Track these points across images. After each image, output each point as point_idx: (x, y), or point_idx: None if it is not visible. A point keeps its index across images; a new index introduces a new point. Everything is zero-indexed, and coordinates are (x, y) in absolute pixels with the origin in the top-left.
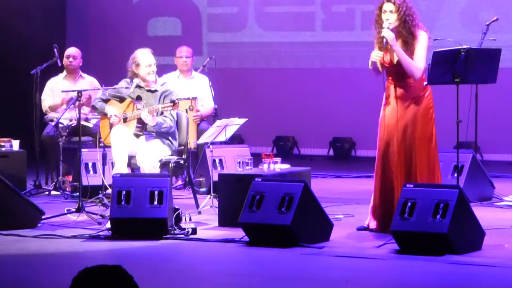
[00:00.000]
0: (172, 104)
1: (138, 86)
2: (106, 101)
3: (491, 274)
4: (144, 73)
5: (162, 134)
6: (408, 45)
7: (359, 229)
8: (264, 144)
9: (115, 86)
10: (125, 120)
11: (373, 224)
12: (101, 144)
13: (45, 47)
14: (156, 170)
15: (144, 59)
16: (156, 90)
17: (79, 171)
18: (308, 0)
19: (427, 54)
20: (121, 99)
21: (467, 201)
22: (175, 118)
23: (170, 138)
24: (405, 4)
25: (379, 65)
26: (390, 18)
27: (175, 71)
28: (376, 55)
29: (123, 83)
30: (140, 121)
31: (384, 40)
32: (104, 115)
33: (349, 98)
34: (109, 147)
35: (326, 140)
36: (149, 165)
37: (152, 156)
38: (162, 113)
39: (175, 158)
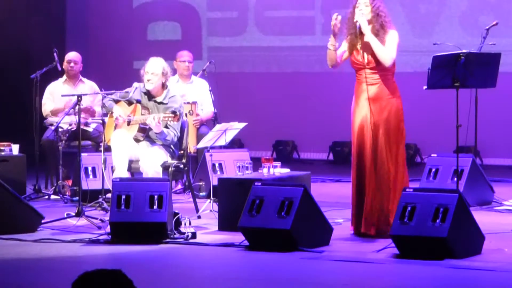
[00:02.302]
0: (173, 115)
1: (147, 95)
2: (116, 102)
3: (491, 278)
4: (144, 80)
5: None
6: (379, 38)
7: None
8: (264, 149)
9: (127, 89)
10: (128, 123)
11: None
12: (102, 148)
13: (45, 51)
14: (160, 175)
15: (145, 66)
16: (162, 103)
17: (79, 175)
18: (308, 5)
19: (397, 50)
20: (130, 102)
21: (466, 205)
22: (178, 133)
23: (172, 147)
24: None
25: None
26: (364, 10)
27: (174, 76)
28: (360, 16)
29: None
30: (142, 127)
31: (358, 24)
32: (111, 114)
33: (349, 103)
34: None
35: (326, 144)
36: (153, 170)
37: (155, 161)
38: (166, 126)
39: (174, 162)
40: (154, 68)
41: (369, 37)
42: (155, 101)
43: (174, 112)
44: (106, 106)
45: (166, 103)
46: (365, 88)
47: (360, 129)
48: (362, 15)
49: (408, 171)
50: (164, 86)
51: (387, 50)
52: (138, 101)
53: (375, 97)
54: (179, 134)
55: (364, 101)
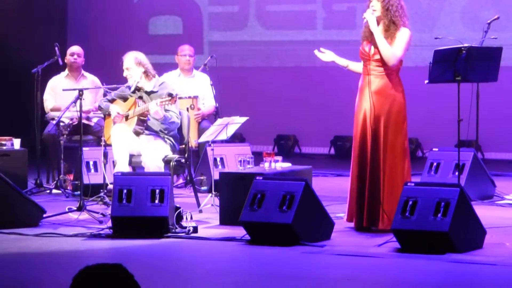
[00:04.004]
0: (169, 97)
1: (137, 89)
2: (111, 101)
3: (492, 272)
4: None
5: (165, 135)
6: (389, 34)
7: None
8: (265, 143)
9: (126, 84)
10: (126, 118)
11: (351, 222)
12: (103, 143)
13: (46, 45)
14: (161, 170)
15: None
16: (152, 91)
17: (80, 169)
18: None
19: (407, 49)
20: (125, 99)
21: (468, 199)
22: (179, 116)
23: (172, 140)
24: None
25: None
26: (375, 5)
27: (175, 70)
28: (369, 14)
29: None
30: (141, 119)
31: (365, 20)
32: (109, 115)
33: (350, 97)
34: (111, 145)
35: (327, 138)
36: (154, 164)
37: (157, 155)
38: (166, 110)
39: (176, 156)
40: (126, 64)
41: (375, 35)
42: (145, 92)
43: (170, 95)
44: (102, 108)
45: (157, 91)
46: (369, 80)
47: (361, 122)
48: (373, 12)
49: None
50: (148, 75)
51: (391, 50)
52: (140, 97)
53: (378, 90)
54: (180, 116)
55: (367, 93)
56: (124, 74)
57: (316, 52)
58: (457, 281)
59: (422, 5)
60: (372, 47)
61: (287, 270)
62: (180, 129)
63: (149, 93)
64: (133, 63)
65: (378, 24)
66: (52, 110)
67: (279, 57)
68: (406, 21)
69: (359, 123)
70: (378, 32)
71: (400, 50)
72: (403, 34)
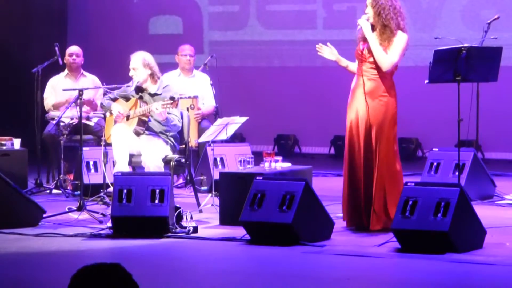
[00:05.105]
0: (171, 101)
1: (140, 90)
2: (114, 100)
3: (492, 272)
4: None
5: (165, 135)
6: (385, 37)
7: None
8: (265, 143)
9: (127, 84)
10: (128, 117)
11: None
12: (103, 143)
13: (46, 45)
14: (161, 169)
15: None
16: (156, 94)
17: (80, 169)
18: None
19: (403, 54)
20: (127, 98)
21: (468, 199)
22: (181, 119)
23: (173, 140)
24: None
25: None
26: (369, 11)
27: (175, 70)
28: (363, 20)
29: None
30: (142, 120)
31: (359, 27)
32: (110, 113)
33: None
34: (111, 144)
35: (327, 138)
36: (154, 164)
37: (156, 155)
38: (168, 113)
39: (176, 156)
40: (133, 63)
41: (370, 41)
42: (149, 94)
43: (172, 98)
44: (104, 106)
45: (160, 94)
46: (362, 82)
47: (353, 123)
48: (368, 18)
49: (405, 166)
50: (154, 77)
51: (386, 57)
52: (140, 97)
53: (370, 92)
54: (181, 119)
55: (360, 95)
56: (130, 74)
57: (321, 45)
58: (457, 281)
59: (422, 5)
60: (368, 50)
61: (287, 270)
62: (180, 129)
63: (152, 95)
64: (140, 64)
65: (373, 29)
66: (53, 106)
67: (279, 57)
68: (400, 23)
69: (351, 123)
70: (372, 38)
71: (396, 56)
72: (399, 39)
